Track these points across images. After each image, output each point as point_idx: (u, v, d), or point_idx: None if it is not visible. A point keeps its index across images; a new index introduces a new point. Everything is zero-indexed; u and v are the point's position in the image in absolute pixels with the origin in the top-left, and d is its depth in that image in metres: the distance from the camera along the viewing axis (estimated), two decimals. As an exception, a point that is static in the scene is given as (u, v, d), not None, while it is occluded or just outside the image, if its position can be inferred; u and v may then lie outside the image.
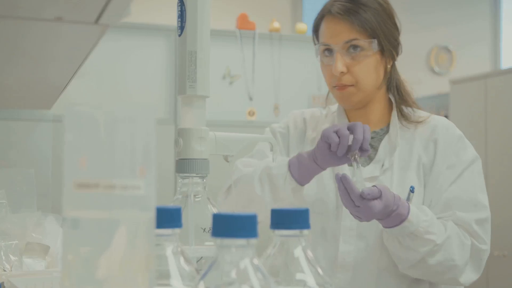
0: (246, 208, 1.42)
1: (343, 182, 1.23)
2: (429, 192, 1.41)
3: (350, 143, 1.28)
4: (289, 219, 0.71)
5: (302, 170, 1.35)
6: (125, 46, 3.54)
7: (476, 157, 1.45)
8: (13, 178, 1.51)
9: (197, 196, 0.96)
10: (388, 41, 1.43)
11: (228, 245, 0.60)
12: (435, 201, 1.40)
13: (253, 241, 0.61)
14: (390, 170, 1.43)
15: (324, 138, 1.30)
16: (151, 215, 0.57)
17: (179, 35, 0.98)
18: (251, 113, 3.74)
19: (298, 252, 0.71)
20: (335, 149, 1.29)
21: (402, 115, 1.49)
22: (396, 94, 1.50)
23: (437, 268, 1.34)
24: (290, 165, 1.36)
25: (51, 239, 1.32)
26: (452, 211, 1.38)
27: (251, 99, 3.77)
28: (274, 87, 3.83)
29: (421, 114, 1.50)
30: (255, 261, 0.61)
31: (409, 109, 1.50)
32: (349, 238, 1.42)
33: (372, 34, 1.40)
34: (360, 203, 1.23)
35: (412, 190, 1.37)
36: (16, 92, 1.34)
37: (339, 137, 1.28)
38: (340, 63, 1.40)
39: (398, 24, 1.47)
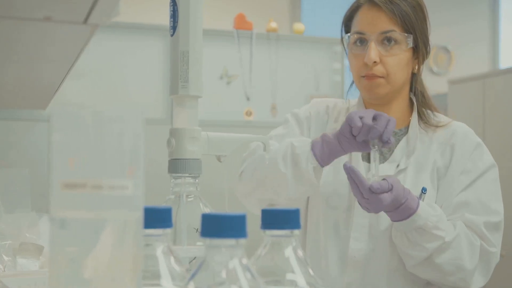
0: (266, 186, 1.41)
1: (350, 174, 1.23)
2: (441, 196, 1.41)
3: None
4: (280, 219, 0.71)
5: (325, 150, 1.33)
6: (122, 46, 3.53)
7: (492, 165, 1.44)
8: (7, 178, 1.51)
9: (189, 196, 0.96)
10: (421, 39, 1.43)
11: (217, 245, 0.60)
12: (446, 205, 1.40)
13: (242, 241, 0.61)
14: (404, 171, 1.43)
15: (348, 121, 1.30)
16: (139, 215, 0.57)
17: (172, 35, 0.98)
18: (249, 113, 3.74)
19: (288, 252, 0.71)
20: (356, 133, 1.28)
21: (422, 118, 1.49)
22: (420, 96, 1.50)
23: (446, 267, 1.32)
24: (313, 145, 1.35)
25: (45, 239, 1.32)
26: (461, 213, 1.37)
27: (248, 99, 3.77)
28: (272, 87, 3.83)
29: (441, 119, 1.50)
30: (244, 261, 0.61)
31: (430, 112, 1.50)
32: (360, 236, 1.42)
33: (409, 29, 1.40)
34: (369, 196, 1.22)
35: (424, 191, 1.37)
36: (11, 92, 1.34)
37: (362, 123, 1.27)
38: (374, 52, 1.39)
39: (429, 26, 1.47)
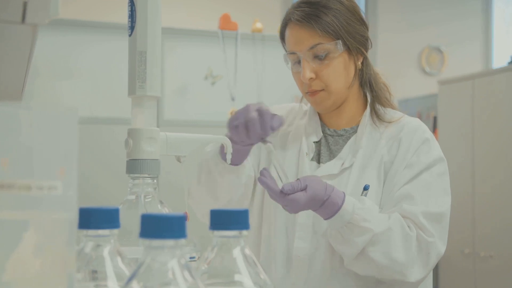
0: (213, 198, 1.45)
1: (261, 183, 1.26)
2: (385, 190, 1.40)
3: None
4: (228, 219, 0.71)
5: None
6: (118, 46, 3.53)
7: (439, 159, 1.42)
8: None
9: (147, 197, 0.96)
10: (353, 39, 1.42)
11: (155, 246, 0.60)
12: (389, 198, 1.39)
13: (181, 241, 0.60)
14: (349, 169, 1.43)
15: (231, 119, 1.33)
16: (70, 216, 0.57)
17: (129, 35, 0.98)
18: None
19: (236, 252, 0.71)
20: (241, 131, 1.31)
21: (375, 113, 1.48)
22: (370, 91, 1.49)
23: (379, 260, 1.31)
24: (221, 148, 1.39)
25: None
26: (400, 205, 1.36)
27: (233, 99, 3.77)
28: (257, 88, 3.83)
29: (394, 115, 1.49)
30: (183, 261, 0.61)
31: (383, 109, 1.49)
32: (305, 235, 1.42)
33: (335, 36, 1.40)
34: (282, 198, 1.24)
35: (366, 188, 1.36)
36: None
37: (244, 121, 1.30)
38: (307, 70, 1.40)
39: (365, 19, 1.46)
